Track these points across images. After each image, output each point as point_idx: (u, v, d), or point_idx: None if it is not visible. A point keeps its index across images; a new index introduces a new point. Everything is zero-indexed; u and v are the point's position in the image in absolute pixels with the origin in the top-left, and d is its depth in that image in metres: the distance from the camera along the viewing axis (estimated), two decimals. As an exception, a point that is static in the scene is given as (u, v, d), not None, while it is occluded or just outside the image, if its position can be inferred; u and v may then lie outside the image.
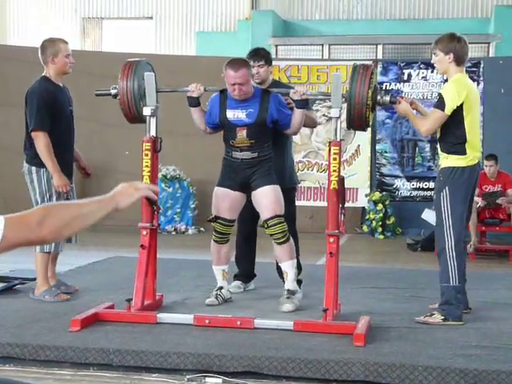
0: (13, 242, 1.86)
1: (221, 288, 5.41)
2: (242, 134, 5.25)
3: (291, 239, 5.33)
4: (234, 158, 5.33)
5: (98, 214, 2.05)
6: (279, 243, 5.27)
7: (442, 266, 5.01)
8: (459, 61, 5.06)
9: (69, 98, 5.67)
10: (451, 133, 5.03)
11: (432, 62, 5.24)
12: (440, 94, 5.04)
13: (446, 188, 4.99)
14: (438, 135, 5.12)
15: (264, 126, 5.26)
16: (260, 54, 5.80)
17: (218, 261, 5.44)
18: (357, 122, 4.97)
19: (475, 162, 5.08)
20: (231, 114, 5.27)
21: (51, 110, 5.44)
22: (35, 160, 5.47)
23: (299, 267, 5.65)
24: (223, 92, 5.32)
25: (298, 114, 5.26)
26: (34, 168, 5.50)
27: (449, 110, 4.95)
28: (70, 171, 5.65)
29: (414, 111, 5.25)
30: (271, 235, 5.26)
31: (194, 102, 5.36)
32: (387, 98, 5.07)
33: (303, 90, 5.26)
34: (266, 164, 5.32)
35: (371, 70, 4.94)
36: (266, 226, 5.25)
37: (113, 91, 5.30)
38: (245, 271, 5.97)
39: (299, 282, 5.63)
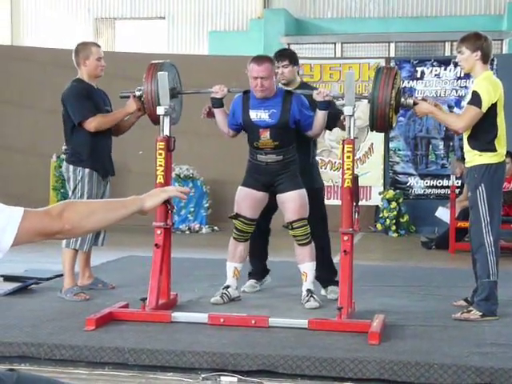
0: (33, 227, 1.95)
1: (227, 287, 5.42)
2: (265, 135, 5.24)
3: (312, 242, 5.35)
4: (258, 161, 5.32)
5: (121, 211, 2.10)
6: (301, 244, 5.32)
7: (480, 262, 5.01)
8: (485, 59, 5.06)
9: (104, 98, 5.78)
10: (485, 130, 5.02)
11: (457, 60, 5.24)
12: (475, 92, 5.00)
13: (482, 185, 5.00)
14: (469, 133, 5.08)
15: (287, 127, 5.25)
16: (284, 54, 5.78)
17: (232, 257, 5.46)
18: (380, 122, 4.94)
19: (504, 158, 5.11)
20: (254, 115, 5.26)
21: (89, 103, 5.56)
22: (72, 158, 5.64)
23: (333, 269, 5.60)
24: (246, 93, 5.32)
25: (320, 116, 5.23)
26: (71, 167, 5.64)
27: (485, 107, 4.95)
28: (107, 170, 5.74)
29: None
30: (294, 236, 5.31)
31: (218, 103, 5.35)
32: (411, 101, 5.06)
33: (326, 92, 5.23)
34: (292, 167, 5.31)
35: (395, 71, 4.94)
36: (290, 227, 5.28)
37: (137, 93, 5.33)
38: (258, 268, 5.96)
39: (336, 283, 5.33)
